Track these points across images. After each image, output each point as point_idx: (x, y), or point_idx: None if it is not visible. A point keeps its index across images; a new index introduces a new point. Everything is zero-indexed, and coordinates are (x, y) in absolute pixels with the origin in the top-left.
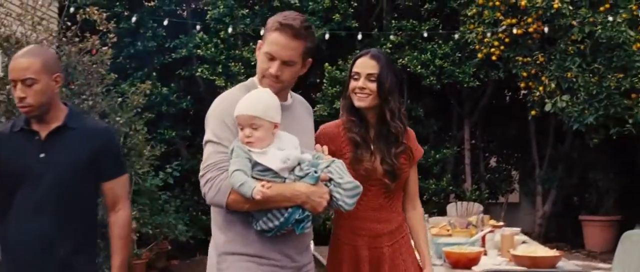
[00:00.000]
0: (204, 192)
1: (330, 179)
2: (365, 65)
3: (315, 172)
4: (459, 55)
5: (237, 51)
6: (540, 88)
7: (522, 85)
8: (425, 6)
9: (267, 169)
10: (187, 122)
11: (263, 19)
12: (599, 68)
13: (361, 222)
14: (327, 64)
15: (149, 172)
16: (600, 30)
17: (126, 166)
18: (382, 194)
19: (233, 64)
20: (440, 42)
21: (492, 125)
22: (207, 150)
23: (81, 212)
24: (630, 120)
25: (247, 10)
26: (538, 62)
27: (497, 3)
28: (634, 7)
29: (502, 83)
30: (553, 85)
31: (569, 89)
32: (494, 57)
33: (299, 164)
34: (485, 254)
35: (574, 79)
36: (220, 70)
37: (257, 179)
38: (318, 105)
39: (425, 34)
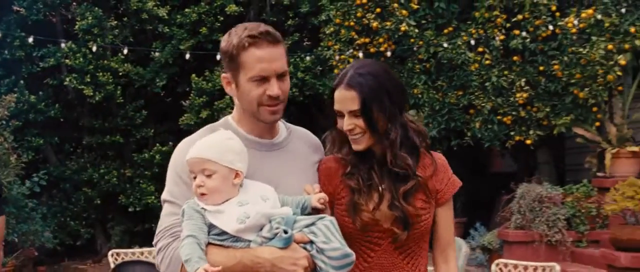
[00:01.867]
0: (157, 264)
1: (312, 242)
2: (343, 100)
3: (285, 232)
4: (320, 68)
5: (105, 61)
6: None
7: None
8: (289, 22)
9: (224, 232)
10: (55, 129)
11: (132, 30)
12: (442, 85)
13: None
14: (194, 75)
15: (15, 180)
16: (443, 52)
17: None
18: (395, 248)
19: (101, 74)
20: (302, 55)
21: None
22: (163, 211)
23: None
24: (469, 133)
25: (116, 22)
26: None
27: (352, 23)
28: (473, 31)
29: None
30: None
31: (415, 104)
32: None
33: (270, 221)
34: None
35: (420, 95)
36: (89, 80)
37: (214, 245)
38: (185, 115)
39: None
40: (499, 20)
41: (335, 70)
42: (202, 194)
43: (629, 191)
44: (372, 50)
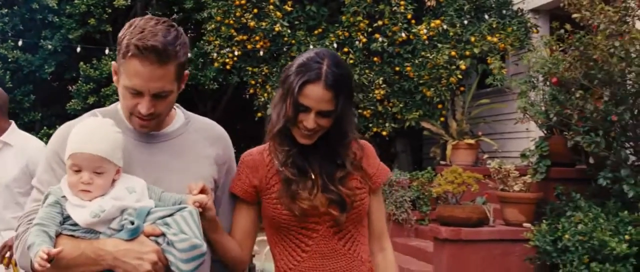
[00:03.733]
0: (13, 251)
1: (164, 234)
2: (318, 98)
3: (132, 223)
4: (202, 61)
5: None
6: (265, 94)
7: (251, 91)
8: (173, 16)
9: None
10: None
11: (22, 19)
12: None
13: None
14: (82, 63)
15: None
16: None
17: None
18: (334, 234)
19: None
20: None
21: (232, 121)
22: (30, 196)
23: None
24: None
25: (6, 10)
26: (263, 73)
27: (232, 21)
28: (340, 33)
29: (239, 87)
30: (274, 93)
31: None
32: (228, 66)
33: (121, 213)
34: None
35: None
36: None
37: (65, 235)
38: (73, 100)
39: None
40: (362, 24)
41: (216, 64)
42: (86, 191)
43: (450, 176)
44: (249, 46)
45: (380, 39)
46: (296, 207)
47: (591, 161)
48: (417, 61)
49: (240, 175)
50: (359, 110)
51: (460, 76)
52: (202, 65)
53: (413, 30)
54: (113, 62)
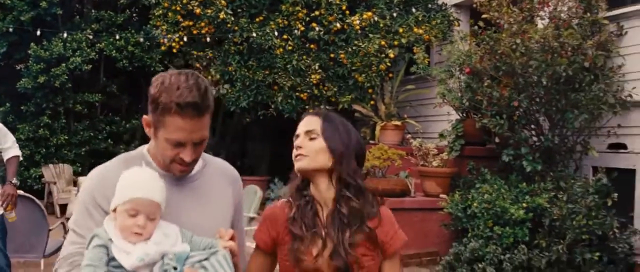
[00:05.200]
0: None
1: None
2: (305, 123)
3: (175, 268)
4: (148, 44)
5: None
6: (209, 77)
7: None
8: (121, 0)
9: (122, 266)
10: None
11: None
12: (253, 65)
13: None
14: (33, 43)
15: None
16: (254, 36)
17: None
18: None
19: None
20: (133, 31)
21: None
22: (67, 237)
23: None
24: (273, 106)
25: None
26: (208, 57)
27: (178, 8)
28: (280, 21)
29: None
30: (218, 76)
31: (229, 79)
32: (174, 50)
33: (162, 258)
34: None
35: (234, 72)
36: None
37: None
38: (23, 79)
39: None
40: (300, 14)
41: (163, 47)
42: (138, 235)
43: (377, 153)
44: (194, 32)
45: (317, 28)
46: (298, 267)
47: (497, 140)
48: (350, 49)
49: (261, 226)
50: (297, 93)
51: (389, 64)
52: (148, 48)
53: (347, 21)
54: (144, 116)
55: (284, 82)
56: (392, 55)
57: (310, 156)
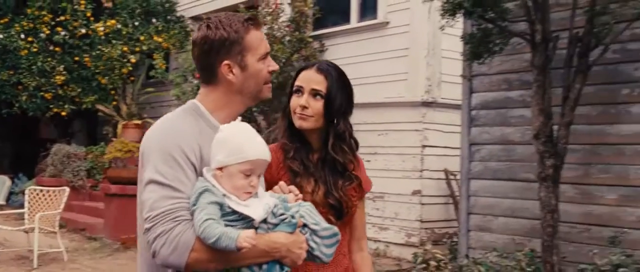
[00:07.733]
0: (155, 250)
1: (305, 225)
2: (309, 79)
3: (293, 217)
4: None
5: None
6: None
7: None
8: None
9: (240, 219)
10: None
11: None
12: None
13: (302, 266)
14: None
15: None
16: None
17: None
18: None
19: None
20: None
21: None
22: (152, 193)
23: None
24: (17, 105)
25: None
26: None
27: None
28: (25, 24)
29: None
30: None
31: None
32: None
33: (271, 209)
34: None
35: None
36: None
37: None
38: None
39: None
40: (46, 18)
41: None
42: (249, 193)
43: (119, 145)
44: None
45: (62, 33)
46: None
47: None
48: (94, 53)
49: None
50: (41, 93)
51: (130, 68)
52: None
53: (92, 27)
54: (224, 62)
55: (29, 82)
56: (133, 61)
57: (315, 117)
